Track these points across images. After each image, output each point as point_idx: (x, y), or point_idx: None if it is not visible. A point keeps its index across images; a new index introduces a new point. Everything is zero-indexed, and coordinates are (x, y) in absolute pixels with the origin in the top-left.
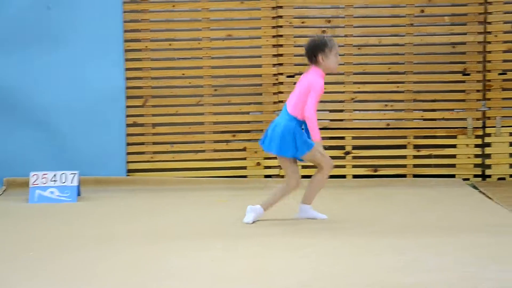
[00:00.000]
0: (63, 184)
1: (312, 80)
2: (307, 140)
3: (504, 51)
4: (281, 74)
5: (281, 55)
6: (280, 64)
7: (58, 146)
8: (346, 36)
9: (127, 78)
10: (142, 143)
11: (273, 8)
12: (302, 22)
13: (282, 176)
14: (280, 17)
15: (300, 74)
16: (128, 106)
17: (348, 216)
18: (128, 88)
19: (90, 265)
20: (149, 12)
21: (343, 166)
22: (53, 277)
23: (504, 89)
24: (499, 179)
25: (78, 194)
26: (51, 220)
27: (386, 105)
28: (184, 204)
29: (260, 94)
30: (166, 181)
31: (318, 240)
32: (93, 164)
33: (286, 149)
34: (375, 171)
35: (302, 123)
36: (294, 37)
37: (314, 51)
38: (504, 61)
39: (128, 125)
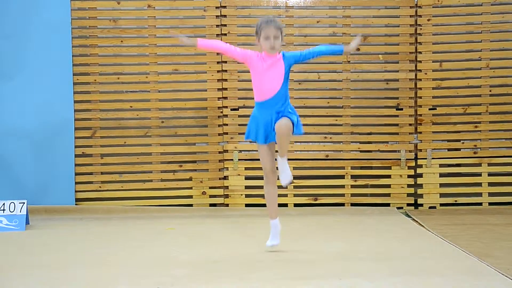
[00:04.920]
0: (12, 213)
1: None
2: (249, 131)
3: (434, 88)
4: (226, 107)
5: (225, 89)
6: (225, 98)
7: (7, 175)
8: None
9: (76, 110)
10: (91, 173)
11: None
12: None
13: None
14: None
15: (243, 107)
16: (76, 137)
17: (291, 244)
18: (76, 119)
19: None
20: (98, 47)
21: (285, 195)
22: None
23: (434, 123)
24: (430, 207)
25: (27, 223)
26: None
27: (325, 137)
28: (132, 232)
29: (206, 126)
30: (114, 209)
31: (263, 268)
32: (42, 193)
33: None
34: (315, 200)
35: (262, 104)
36: (238, 72)
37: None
38: (434, 97)
39: (77, 156)
